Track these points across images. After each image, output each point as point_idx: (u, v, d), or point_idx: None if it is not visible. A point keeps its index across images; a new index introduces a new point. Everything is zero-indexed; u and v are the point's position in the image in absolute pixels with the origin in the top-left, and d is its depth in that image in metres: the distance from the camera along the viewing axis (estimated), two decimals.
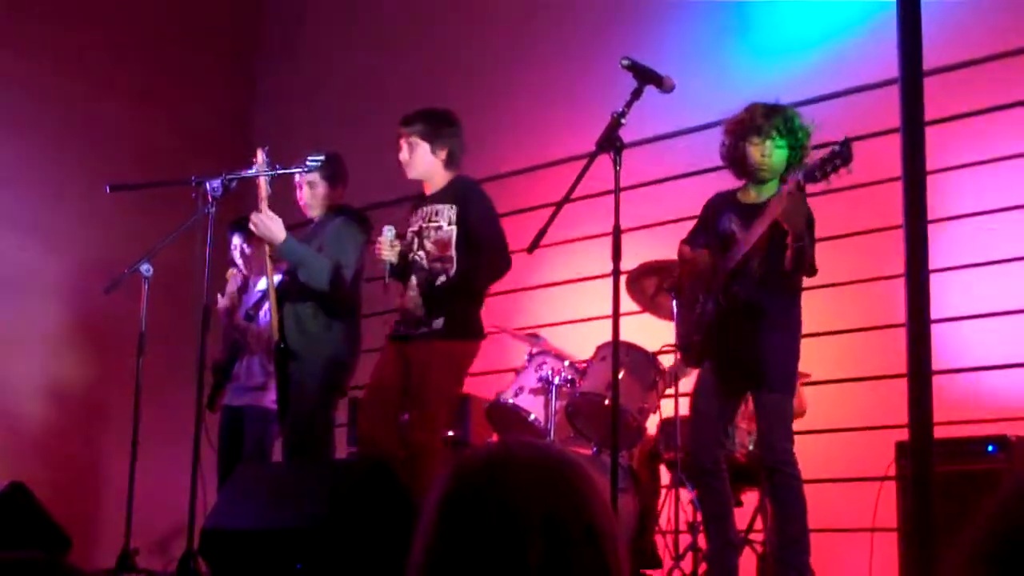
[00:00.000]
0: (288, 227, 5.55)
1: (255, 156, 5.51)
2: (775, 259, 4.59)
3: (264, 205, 5.48)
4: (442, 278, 5.27)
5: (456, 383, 5.39)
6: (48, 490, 6.12)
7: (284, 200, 5.92)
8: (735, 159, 4.87)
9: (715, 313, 4.79)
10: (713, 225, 4.90)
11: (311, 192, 5.84)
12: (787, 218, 4.48)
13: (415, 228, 5.39)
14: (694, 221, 5.14)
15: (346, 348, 5.71)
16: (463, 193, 5.35)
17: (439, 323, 5.21)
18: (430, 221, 5.33)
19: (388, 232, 5.35)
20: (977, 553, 1.03)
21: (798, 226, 4.48)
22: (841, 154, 4.39)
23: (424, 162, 5.41)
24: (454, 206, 5.30)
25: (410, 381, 5.24)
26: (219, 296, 6.22)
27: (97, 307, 7.31)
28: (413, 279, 5.30)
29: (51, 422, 7.72)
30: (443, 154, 5.39)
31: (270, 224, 5.44)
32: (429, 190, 5.44)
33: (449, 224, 5.28)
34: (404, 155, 5.42)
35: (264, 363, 6.22)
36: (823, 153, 4.46)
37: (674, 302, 5.48)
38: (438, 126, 5.41)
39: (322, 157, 5.61)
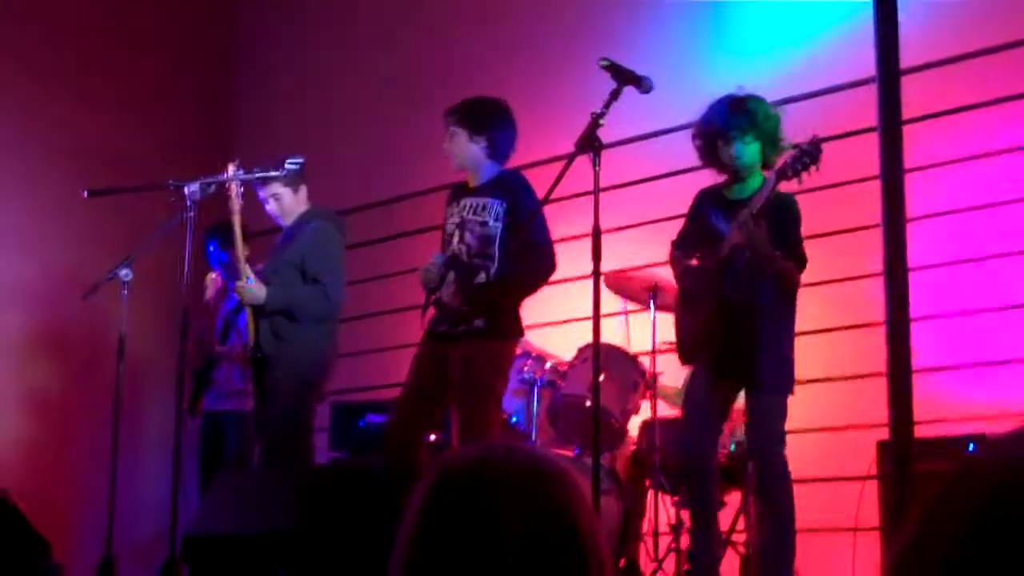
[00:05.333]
0: (259, 233, 5.54)
1: (226, 168, 5.49)
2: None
3: (241, 255, 5.54)
4: (482, 275, 5.10)
5: (502, 381, 5.19)
6: (27, 497, 6.08)
7: (259, 206, 5.94)
8: (710, 156, 4.89)
9: (708, 311, 4.77)
10: (703, 222, 4.88)
11: (278, 204, 5.87)
12: (748, 246, 4.54)
13: (456, 220, 5.24)
14: (674, 221, 5.15)
15: (322, 352, 5.70)
16: (513, 187, 5.20)
17: (480, 323, 5.06)
18: (475, 214, 5.18)
19: (437, 259, 5.22)
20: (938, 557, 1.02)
21: (760, 251, 4.53)
22: (809, 153, 4.46)
23: (463, 151, 5.26)
24: (503, 202, 5.14)
25: (450, 379, 5.08)
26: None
27: (76, 313, 7.27)
28: (452, 274, 5.16)
29: (30, 429, 7.67)
30: (482, 141, 5.23)
31: (251, 292, 5.57)
32: (473, 182, 5.29)
33: (495, 220, 5.12)
34: (446, 145, 5.30)
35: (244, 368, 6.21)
36: (792, 153, 4.52)
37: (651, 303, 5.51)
38: (477, 114, 5.27)
39: (300, 160, 5.61)
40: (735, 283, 4.68)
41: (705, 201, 4.96)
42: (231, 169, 5.49)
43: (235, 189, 5.51)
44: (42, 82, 8.03)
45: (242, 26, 9.66)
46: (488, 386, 5.07)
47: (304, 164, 5.76)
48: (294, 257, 5.71)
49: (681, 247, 5.03)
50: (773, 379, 4.66)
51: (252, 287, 5.58)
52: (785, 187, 4.65)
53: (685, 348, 4.97)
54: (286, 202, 5.86)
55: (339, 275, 5.73)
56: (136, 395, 6.63)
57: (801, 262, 4.72)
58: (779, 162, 4.71)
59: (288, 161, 5.62)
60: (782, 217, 4.67)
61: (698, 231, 4.92)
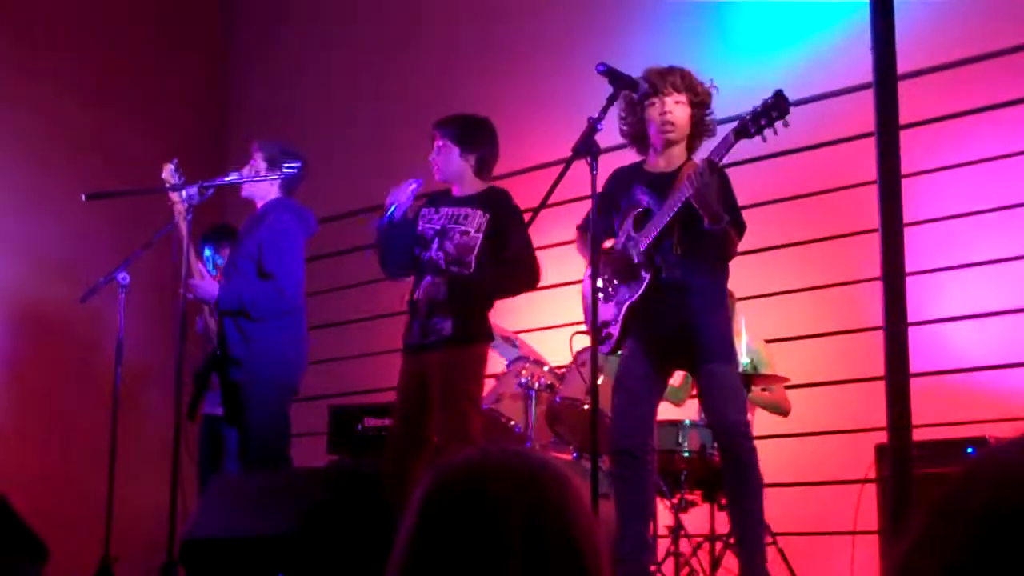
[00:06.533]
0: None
1: (163, 169, 5.48)
2: (693, 236, 4.46)
3: (190, 255, 5.54)
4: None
5: (477, 384, 5.21)
6: (25, 500, 6.07)
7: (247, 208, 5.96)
8: (636, 132, 4.75)
9: (639, 293, 4.58)
10: (618, 201, 4.73)
11: (251, 171, 5.83)
12: (700, 202, 4.33)
13: (437, 226, 5.27)
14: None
15: (286, 349, 5.67)
16: (499, 204, 5.24)
17: (448, 327, 5.07)
18: (456, 222, 5.21)
19: (412, 184, 5.30)
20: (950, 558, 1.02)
21: (712, 208, 4.35)
22: (776, 106, 4.28)
23: (453, 166, 5.32)
24: (487, 214, 5.17)
25: (430, 391, 5.12)
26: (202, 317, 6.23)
27: (74, 316, 7.27)
28: (428, 279, 5.16)
29: (28, 432, 7.66)
30: (472, 159, 5.31)
31: (202, 287, 5.60)
32: (457, 192, 5.34)
33: (477, 231, 5.15)
34: (433, 156, 5.35)
35: None
36: (756, 106, 4.31)
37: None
38: (471, 131, 5.34)
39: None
40: (668, 260, 4.55)
41: (624, 179, 4.78)
42: (169, 168, 5.47)
43: (174, 189, 5.46)
44: (40, 82, 8.03)
45: (241, 26, 9.67)
46: (465, 390, 5.11)
47: (301, 167, 5.76)
48: (251, 250, 5.68)
49: (587, 229, 4.68)
50: (723, 348, 4.53)
51: (201, 284, 5.59)
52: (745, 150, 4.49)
53: (610, 336, 4.71)
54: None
55: (295, 268, 5.68)
56: (135, 398, 6.60)
57: (740, 228, 4.55)
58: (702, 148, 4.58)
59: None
60: (717, 184, 4.47)
61: (612, 212, 4.73)
